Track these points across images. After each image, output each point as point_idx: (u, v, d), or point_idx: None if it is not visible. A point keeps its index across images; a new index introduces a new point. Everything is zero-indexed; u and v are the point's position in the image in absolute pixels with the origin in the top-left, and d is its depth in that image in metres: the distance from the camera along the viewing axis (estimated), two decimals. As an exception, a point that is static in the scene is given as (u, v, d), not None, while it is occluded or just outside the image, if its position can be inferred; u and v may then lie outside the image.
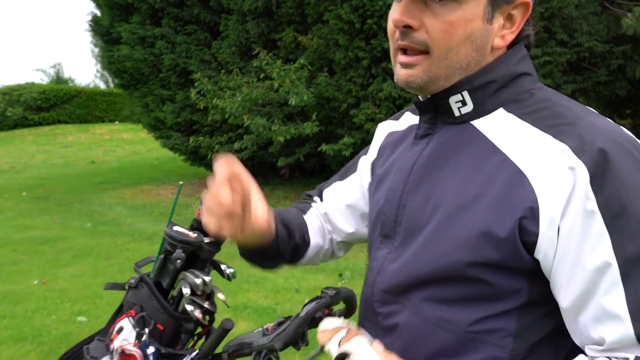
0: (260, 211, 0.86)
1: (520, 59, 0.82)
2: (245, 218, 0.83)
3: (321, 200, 1.11)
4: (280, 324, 1.40)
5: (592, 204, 0.67)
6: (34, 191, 9.25)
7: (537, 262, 0.72)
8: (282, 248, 0.99)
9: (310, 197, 1.14)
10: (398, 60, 0.80)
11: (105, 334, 1.53)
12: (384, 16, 6.30)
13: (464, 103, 0.81)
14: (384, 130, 1.05)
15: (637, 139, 0.75)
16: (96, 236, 6.03)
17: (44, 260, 5.23)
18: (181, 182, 1.66)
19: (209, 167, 8.89)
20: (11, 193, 9.13)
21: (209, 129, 8.08)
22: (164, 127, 8.77)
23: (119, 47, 8.50)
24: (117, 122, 20.52)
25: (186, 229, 1.47)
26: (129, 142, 16.06)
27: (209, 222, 0.84)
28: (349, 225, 1.07)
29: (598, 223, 0.67)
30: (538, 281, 0.73)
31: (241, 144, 7.19)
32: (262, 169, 8.28)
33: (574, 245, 0.69)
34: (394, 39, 0.80)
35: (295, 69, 6.57)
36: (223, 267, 1.50)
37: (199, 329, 1.52)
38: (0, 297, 4.18)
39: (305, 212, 1.09)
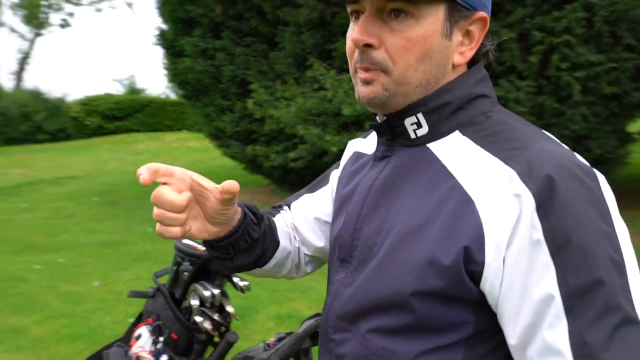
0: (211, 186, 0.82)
1: (479, 80, 0.80)
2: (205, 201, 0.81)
3: (289, 208, 1.09)
4: (280, 339, 1.44)
5: (539, 233, 0.65)
6: (104, 197, 9.77)
7: (483, 293, 0.70)
8: (253, 234, 0.92)
9: (280, 206, 1.10)
10: (358, 77, 0.79)
11: (125, 340, 1.62)
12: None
13: (419, 125, 0.79)
14: (352, 148, 1.03)
15: (589, 166, 0.71)
16: (155, 241, 6.29)
17: (106, 263, 5.52)
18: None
19: (266, 175, 9.07)
20: (84, 198, 9.68)
21: (266, 138, 8.24)
22: (223, 136, 9.04)
23: (182, 60, 8.85)
24: (184, 131, 21.29)
25: (197, 243, 1.54)
26: (195, 150, 16.63)
27: (169, 231, 0.79)
28: (317, 238, 1.04)
29: (544, 253, 0.65)
30: (485, 313, 0.71)
31: (296, 153, 7.29)
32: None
33: (520, 275, 0.66)
34: (352, 59, 0.79)
35: (348, 79, 6.60)
36: (236, 280, 1.56)
37: (217, 339, 1.58)
38: (63, 297, 4.45)
39: (274, 215, 1.06)
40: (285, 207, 1.09)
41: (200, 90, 9.09)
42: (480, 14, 0.77)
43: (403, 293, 0.72)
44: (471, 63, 0.82)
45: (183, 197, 0.77)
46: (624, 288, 0.64)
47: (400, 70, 0.75)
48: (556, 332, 0.64)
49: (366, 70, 0.77)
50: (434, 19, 0.74)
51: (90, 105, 22.28)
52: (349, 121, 7.16)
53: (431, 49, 0.75)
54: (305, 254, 1.06)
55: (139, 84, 36.06)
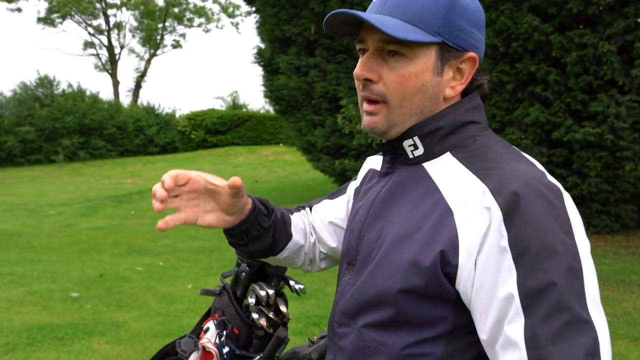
0: (221, 183, 0.92)
1: (470, 109, 0.89)
2: (217, 197, 0.92)
3: (311, 212, 1.21)
4: (322, 337, 1.55)
5: (505, 241, 0.74)
6: (203, 206, 10.40)
7: (458, 292, 0.79)
8: (263, 223, 1.02)
9: (303, 207, 1.23)
10: (364, 109, 0.91)
11: (196, 332, 1.81)
12: (529, 39, 6.06)
13: (415, 147, 0.90)
14: (368, 164, 1.14)
15: (559, 187, 0.79)
16: (245, 249, 6.62)
17: (199, 268, 5.91)
18: None
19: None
20: (185, 207, 10.38)
21: (355, 153, 8.40)
22: (315, 150, 9.33)
23: (278, 77, 9.28)
24: (281, 145, 22.08)
25: None
26: (290, 164, 17.21)
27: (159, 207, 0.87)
28: (331, 239, 1.15)
29: (508, 258, 0.73)
30: (462, 311, 0.80)
31: (383, 167, 7.37)
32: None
33: (489, 277, 0.75)
34: (359, 89, 0.91)
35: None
36: (292, 282, 1.69)
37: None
38: (160, 297, 4.84)
39: (292, 212, 1.18)
40: (307, 208, 1.22)
41: (293, 105, 9.46)
42: (470, 54, 0.87)
43: (391, 291, 0.83)
44: (465, 94, 0.91)
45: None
46: (578, 292, 0.71)
47: (397, 101, 0.86)
48: (514, 327, 0.71)
49: (369, 101, 0.89)
50: (426, 58, 0.85)
51: (195, 120, 23.78)
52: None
53: (423, 84, 0.86)
54: (320, 251, 1.18)
55: (241, 100, 37.88)
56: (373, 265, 0.88)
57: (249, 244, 1.03)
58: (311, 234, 1.18)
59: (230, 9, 32.49)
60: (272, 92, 9.78)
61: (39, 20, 31.40)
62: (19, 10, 30.30)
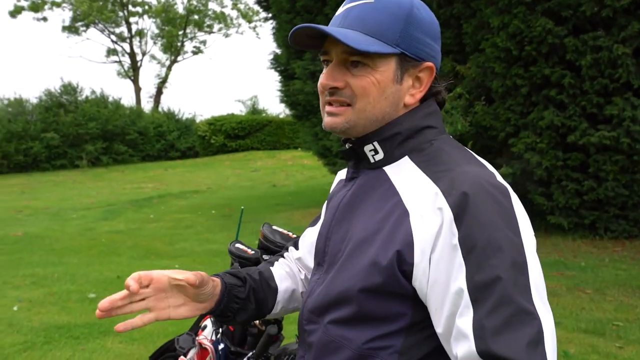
0: (189, 277, 0.96)
1: (427, 115, 0.95)
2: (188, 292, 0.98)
3: (296, 249, 1.25)
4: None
5: (455, 239, 0.79)
6: (221, 210, 10.53)
7: (415, 289, 0.84)
8: (240, 294, 1.08)
9: (286, 248, 1.28)
10: (326, 110, 0.96)
11: (194, 329, 1.87)
12: (543, 42, 6.04)
13: (376, 152, 0.95)
14: (338, 177, 1.18)
15: (506, 187, 0.84)
16: (260, 253, 6.70)
17: (214, 270, 5.88)
18: (242, 207, 1.95)
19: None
20: (203, 210, 10.53)
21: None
22: (330, 154, 9.39)
23: (294, 82, 9.36)
24: (299, 149, 22.20)
25: (246, 246, 1.75)
26: (308, 168, 17.29)
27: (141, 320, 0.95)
28: None
29: (459, 255, 0.78)
30: (420, 307, 0.85)
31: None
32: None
33: (442, 274, 0.79)
34: (323, 95, 0.96)
35: (450, 98, 6.59)
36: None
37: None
38: (174, 299, 4.93)
39: (272, 264, 1.22)
40: (291, 247, 1.27)
41: (309, 110, 9.53)
42: (428, 64, 0.93)
43: (353, 290, 0.88)
44: (423, 100, 0.96)
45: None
46: (523, 285, 0.76)
47: (362, 105, 0.92)
48: (465, 320, 0.76)
49: (333, 103, 0.94)
50: (387, 68, 0.91)
51: (215, 124, 24.06)
52: (451, 140, 7.12)
53: (384, 91, 0.91)
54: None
55: (261, 105, 38.17)
56: (338, 266, 0.93)
57: (236, 317, 1.10)
58: (299, 270, 1.23)
59: (249, 14, 32.80)
60: (288, 97, 9.88)
61: (64, 28, 32.10)
62: (44, 19, 31.13)
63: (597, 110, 6.11)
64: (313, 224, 1.24)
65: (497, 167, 6.17)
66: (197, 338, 1.71)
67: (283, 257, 1.26)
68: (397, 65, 0.91)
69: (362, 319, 0.88)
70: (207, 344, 1.67)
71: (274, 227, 1.72)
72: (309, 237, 1.21)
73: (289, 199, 11.82)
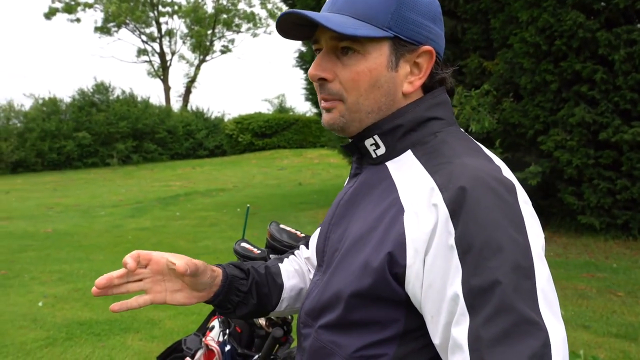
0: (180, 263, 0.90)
1: (432, 105, 0.87)
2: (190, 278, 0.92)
3: (307, 247, 1.20)
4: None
5: (452, 239, 0.70)
6: (246, 208, 10.55)
7: (408, 295, 0.76)
8: (241, 287, 1.03)
9: (298, 247, 1.24)
10: (321, 106, 0.90)
11: (202, 330, 1.83)
12: (574, 36, 5.85)
13: (377, 146, 0.88)
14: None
15: (513, 182, 0.75)
16: (282, 251, 6.68)
17: (236, 269, 5.99)
18: (248, 205, 1.90)
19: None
20: (228, 208, 10.57)
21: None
22: (355, 152, 9.30)
23: (318, 80, 9.31)
24: (326, 147, 22.16)
25: (252, 246, 1.70)
26: (335, 166, 17.23)
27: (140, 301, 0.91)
28: None
29: (455, 257, 0.70)
30: (414, 314, 0.77)
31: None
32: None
33: (438, 278, 0.71)
34: (317, 90, 0.90)
35: (477, 95, 6.44)
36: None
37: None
38: (195, 296, 4.94)
39: (282, 260, 1.17)
40: (302, 247, 1.22)
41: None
42: (426, 47, 0.85)
43: (344, 292, 0.82)
44: (428, 89, 0.89)
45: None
46: (528, 291, 0.67)
47: (353, 98, 0.85)
48: (460, 329, 0.68)
49: (326, 100, 0.88)
50: (379, 53, 0.83)
51: (243, 123, 24.21)
52: (478, 138, 6.96)
53: (378, 80, 0.84)
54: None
55: (288, 103, 38.25)
56: (334, 266, 0.87)
57: (235, 310, 1.05)
58: (309, 270, 1.17)
59: (278, 14, 32.87)
60: (313, 95, 9.84)
61: (96, 29, 32.76)
62: (78, 20, 31.75)
63: (631, 107, 5.89)
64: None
65: (525, 166, 6.00)
66: (204, 339, 1.67)
67: (294, 254, 1.21)
68: (391, 50, 0.83)
69: (352, 324, 0.82)
70: (214, 345, 1.63)
71: (282, 226, 1.67)
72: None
73: (315, 197, 11.78)
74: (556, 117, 6.32)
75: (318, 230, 1.18)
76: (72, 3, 30.62)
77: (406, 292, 0.76)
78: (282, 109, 30.45)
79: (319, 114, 10.62)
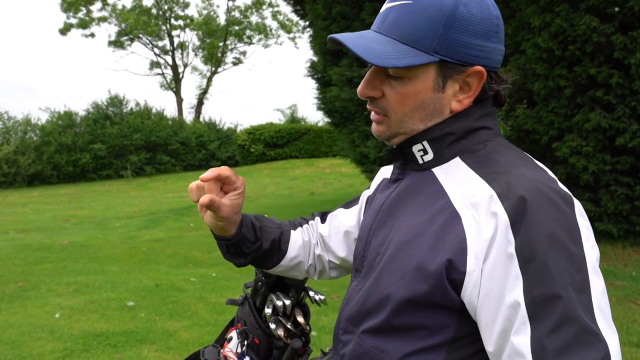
0: (226, 205, 0.99)
1: (481, 116, 0.87)
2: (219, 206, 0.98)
3: (322, 222, 1.21)
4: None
5: (512, 248, 0.71)
6: (259, 218, 10.55)
7: (463, 302, 0.76)
8: (245, 248, 1.10)
9: (313, 216, 1.25)
10: (372, 117, 0.92)
11: (220, 341, 1.82)
12: (588, 41, 5.80)
13: (425, 152, 0.88)
14: (382, 174, 1.12)
15: (570, 195, 0.76)
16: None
17: (250, 279, 5.97)
18: (264, 216, 1.89)
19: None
20: (242, 219, 10.58)
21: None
22: (367, 161, 9.28)
23: (330, 89, 9.33)
24: (338, 157, 22.13)
25: None
26: (347, 176, 17.21)
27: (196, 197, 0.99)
28: (341, 249, 1.15)
29: (515, 265, 0.70)
30: (465, 320, 0.77)
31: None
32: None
33: (496, 285, 0.72)
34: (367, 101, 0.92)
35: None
36: (312, 293, 1.67)
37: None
38: (210, 307, 4.94)
39: (295, 228, 1.20)
40: (318, 218, 1.24)
41: (346, 117, 9.47)
42: (476, 68, 0.84)
43: (394, 297, 0.81)
44: (479, 101, 0.89)
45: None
46: (586, 303, 0.68)
47: (398, 117, 0.87)
48: (521, 337, 0.69)
49: (375, 113, 0.90)
50: (425, 76, 0.83)
51: (255, 134, 24.30)
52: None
53: (423, 102, 0.85)
54: (330, 260, 1.19)
55: (300, 113, 38.34)
56: (377, 271, 0.87)
57: (228, 256, 1.13)
58: (316, 245, 1.19)
59: (289, 26, 33.11)
60: (325, 104, 9.85)
61: (110, 43, 33.19)
62: (92, 35, 32.15)
63: (648, 111, 5.81)
64: (347, 206, 1.19)
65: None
66: (222, 350, 1.66)
67: (308, 224, 1.23)
68: (438, 72, 0.83)
69: (400, 329, 0.81)
70: (232, 357, 1.62)
71: None
72: (341, 219, 1.17)
73: (327, 206, 11.76)
74: (571, 122, 6.25)
75: (340, 211, 1.21)
76: (87, 18, 31.07)
77: (461, 298, 0.76)
78: (293, 119, 30.51)
79: (334, 124, 10.69)
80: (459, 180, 0.83)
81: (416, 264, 0.79)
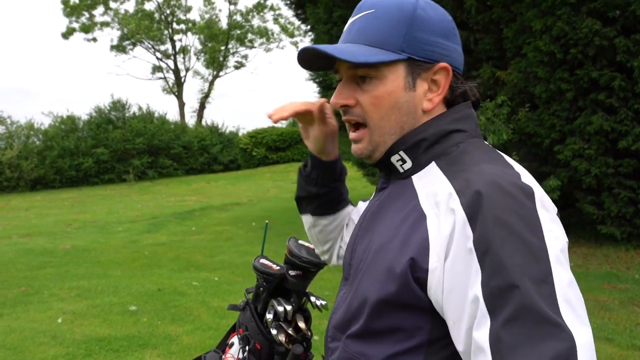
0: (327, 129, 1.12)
1: (454, 120, 0.89)
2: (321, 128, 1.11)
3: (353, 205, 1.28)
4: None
5: (470, 243, 0.71)
6: (261, 222, 10.57)
7: (431, 301, 0.77)
8: (330, 177, 1.18)
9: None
10: (350, 137, 0.93)
11: (221, 347, 1.82)
12: (589, 44, 5.80)
13: (403, 161, 0.90)
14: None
15: (532, 188, 0.75)
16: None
17: (252, 283, 5.96)
18: (267, 221, 1.90)
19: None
20: (244, 222, 10.60)
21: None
22: (368, 164, 9.25)
23: (331, 92, 9.33)
24: (340, 160, 22.12)
25: (272, 263, 1.70)
26: (349, 179, 16.87)
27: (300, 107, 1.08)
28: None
29: (475, 260, 0.70)
30: (440, 321, 0.77)
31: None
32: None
33: (458, 282, 0.72)
34: (342, 114, 0.93)
35: (493, 106, 6.40)
36: (313, 298, 1.68)
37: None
38: (212, 312, 4.94)
39: (351, 208, 1.27)
40: (361, 202, 1.28)
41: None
42: (441, 64, 0.87)
43: (369, 300, 0.83)
44: (450, 103, 0.91)
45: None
46: (547, 294, 0.66)
47: (375, 121, 0.89)
48: (481, 332, 0.68)
49: (354, 127, 0.92)
50: (395, 76, 0.87)
51: (257, 137, 24.35)
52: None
53: (397, 101, 0.87)
54: (341, 247, 1.26)
55: (302, 117, 38.28)
56: (360, 277, 0.89)
57: (317, 187, 1.20)
58: (344, 227, 1.26)
59: (291, 29, 33.18)
60: (327, 108, 9.86)
61: (112, 47, 33.31)
62: (94, 40, 32.28)
63: (651, 114, 5.81)
64: (366, 199, 1.22)
65: (543, 176, 5.92)
66: (224, 356, 1.66)
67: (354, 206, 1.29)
68: (407, 71, 0.86)
69: (378, 332, 0.83)
70: (233, 362, 1.62)
71: (300, 242, 1.67)
72: (358, 211, 1.23)
73: (330, 210, 11.74)
74: (573, 125, 6.25)
75: (361, 203, 1.25)
76: (89, 23, 31.18)
77: (429, 297, 0.77)
78: (295, 123, 30.39)
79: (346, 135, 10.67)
80: (428, 183, 0.85)
81: (387, 266, 0.81)
